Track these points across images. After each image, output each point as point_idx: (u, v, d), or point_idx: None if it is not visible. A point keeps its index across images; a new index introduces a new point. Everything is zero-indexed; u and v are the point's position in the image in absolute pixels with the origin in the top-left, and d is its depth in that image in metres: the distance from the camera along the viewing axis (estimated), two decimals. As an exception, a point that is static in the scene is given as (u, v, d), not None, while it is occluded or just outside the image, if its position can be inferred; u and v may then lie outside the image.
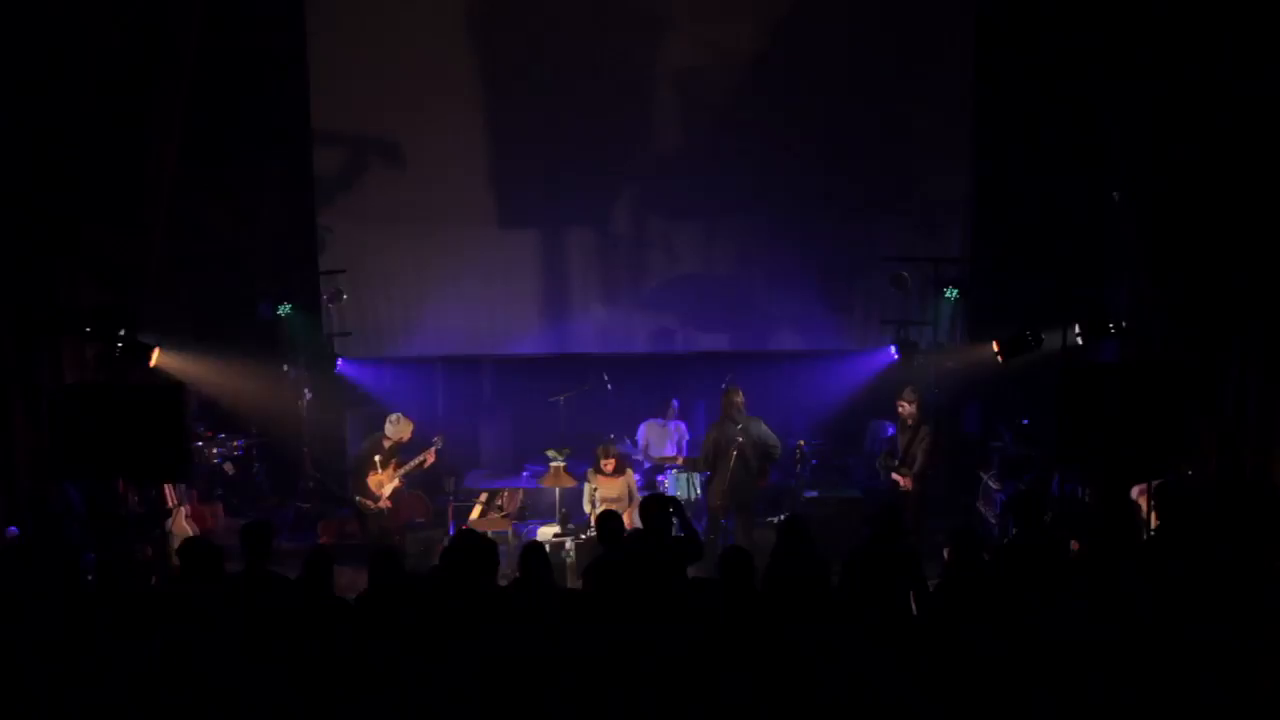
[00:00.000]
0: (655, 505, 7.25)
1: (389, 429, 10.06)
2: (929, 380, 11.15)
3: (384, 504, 9.95)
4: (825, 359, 12.82)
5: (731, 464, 9.83)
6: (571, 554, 9.44)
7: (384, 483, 9.94)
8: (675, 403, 11.89)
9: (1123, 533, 7.17)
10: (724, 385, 11.14)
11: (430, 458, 10.10)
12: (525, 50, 12.26)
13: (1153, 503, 7.66)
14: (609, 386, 12.06)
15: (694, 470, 10.75)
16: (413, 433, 10.10)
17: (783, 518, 7.58)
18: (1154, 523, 7.53)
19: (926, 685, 5.70)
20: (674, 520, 7.24)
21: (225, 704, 5.64)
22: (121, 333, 9.68)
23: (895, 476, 10.08)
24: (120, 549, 8.63)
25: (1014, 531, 7.67)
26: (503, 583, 8.07)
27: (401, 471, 10.00)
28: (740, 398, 10.10)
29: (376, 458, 9.96)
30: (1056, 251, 12.09)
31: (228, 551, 6.54)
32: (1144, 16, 9.53)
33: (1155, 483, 7.78)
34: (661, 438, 11.74)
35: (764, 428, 10.12)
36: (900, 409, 10.20)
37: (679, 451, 11.58)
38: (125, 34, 9.77)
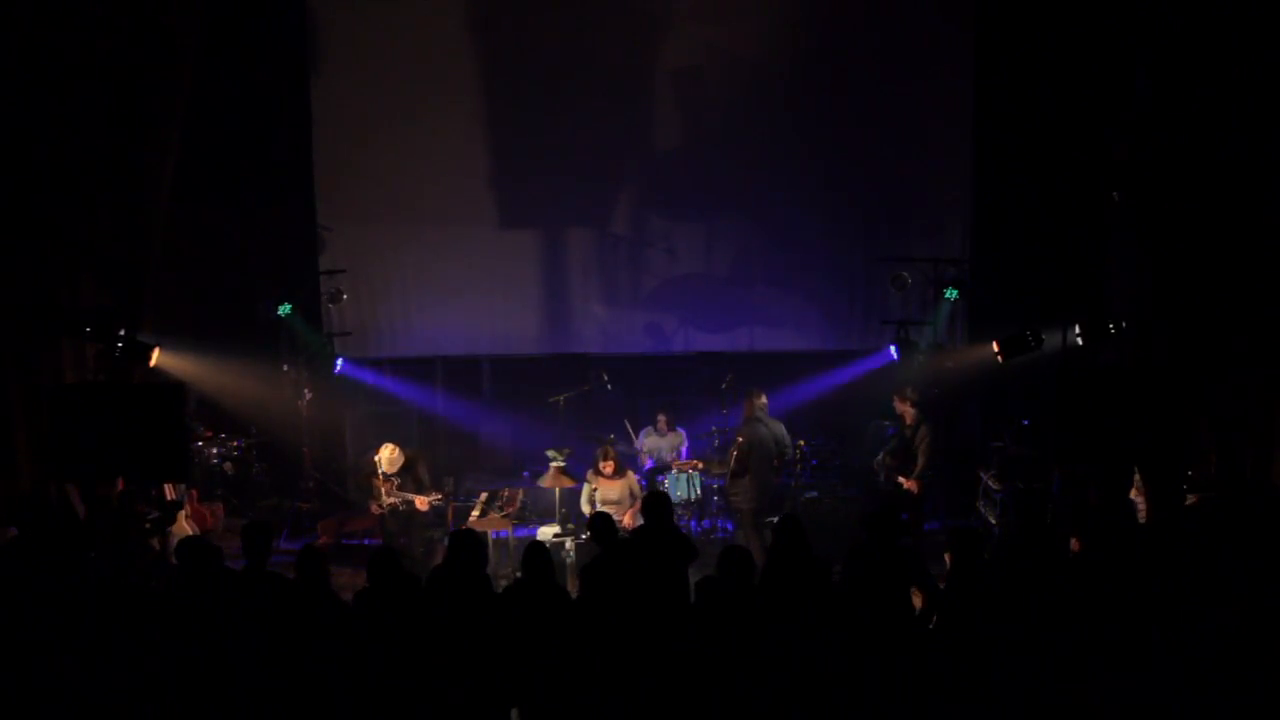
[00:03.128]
0: (656, 502, 7.31)
1: (384, 460, 10.02)
2: (929, 380, 11.14)
3: (375, 509, 10.08)
4: (825, 359, 12.77)
5: (757, 465, 9.88)
6: (572, 554, 9.42)
7: (382, 492, 10.02)
8: (661, 419, 11.87)
9: (1123, 532, 7.18)
10: (724, 385, 11.17)
11: (422, 504, 10.03)
12: (526, 50, 12.24)
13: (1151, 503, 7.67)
14: (609, 387, 12.03)
15: (720, 472, 10.70)
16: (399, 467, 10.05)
17: (777, 518, 7.59)
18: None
19: (929, 683, 5.73)
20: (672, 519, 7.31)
21: (225, 702, 5.68)
22: (121, 332, 9.67)
23: (899, 479, 10.06)
24: (133, 547, 8.63)
25: (1014, 530, 7.67)
26: (504, 583, 8.13)
27: (395, 498, 10.00)
28: (764, 399, 10.19)
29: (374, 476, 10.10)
30: (1056, 252, 12.05)
31: (227, 551, 6.54)
32: (1144, 16, 9.52)
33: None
34: (660, 445, 11.73)
35: (782, 429, 10.17)
36: (899, 409, 10.19)
37: (682, 458, 11.58)
38: (125, 34, 9.75)
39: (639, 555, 6.94)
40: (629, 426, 12.01)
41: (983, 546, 6.76)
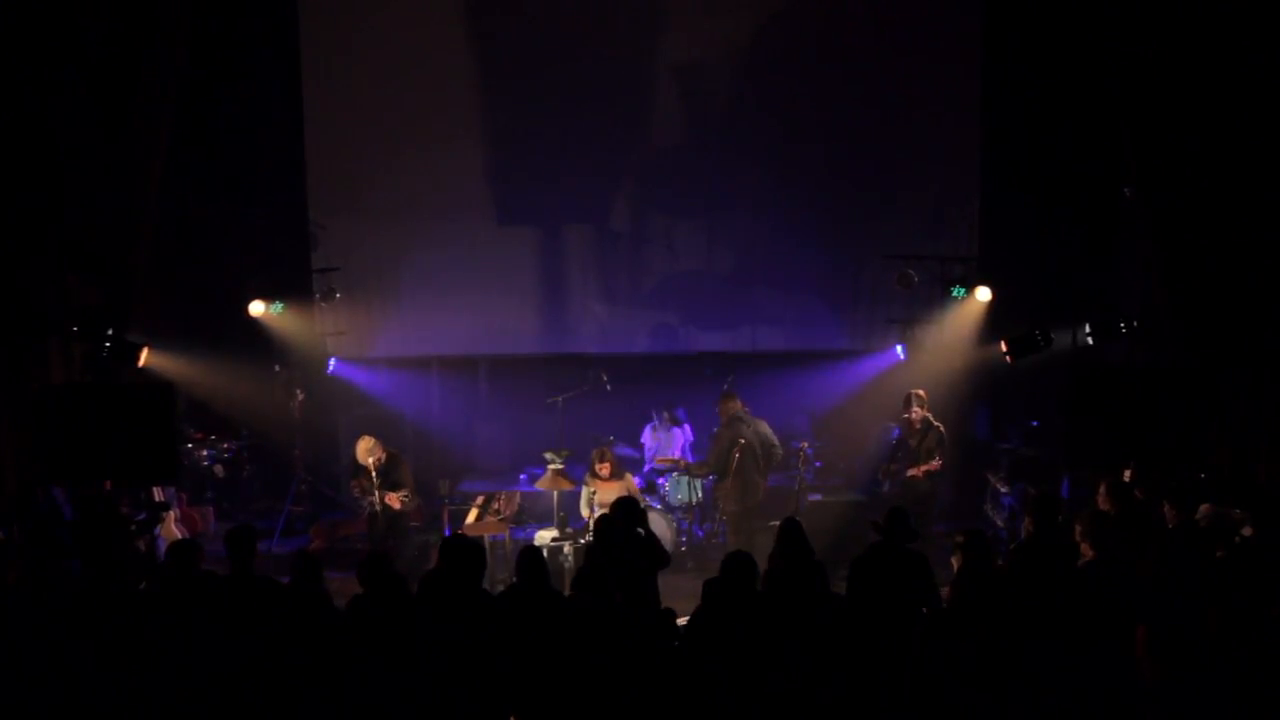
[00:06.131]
0: (621, 507, 7.31)
1: (360, 451, 9.76)
2: (935, 381, 11.04)
3: (356, 490, 9.90)
4: (829, 359, 12.65)
5: (742, 465, 9.82)
6: (570, 558, 9.30)
7: (368, 489, 9.80)
8: (681, 412, 11.81)
9: (1138, 536, 7.04)
10: (725, 386, 11.01)
11: (394, 501, 9.72)
12: (523, 44, 12.11)
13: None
14: (608, 387, 11.90)
15: (700, 474, 10.63)
16: (377, 462, 9.74)
17: (778, 522, 7.54)
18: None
19: (936, 688, 5.64)
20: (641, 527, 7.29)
21: (214, 706, 5.65)
22: (109, 332, 9.59)
23: (912, 473, 9.89)
24: (118, 551, 8.56)
25: (1025, 533, 7.54)
26: (500, 587, 8.00)
27: (379, 494, 9.74)
28: (736, 403, 10.16)
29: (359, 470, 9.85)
30: (1066, 249, 11.95)
31: (218, 555, 6.43)
32: (1155, 8, 9.40)
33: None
34: (666, 440, 11.62)
35: (767, 428, 10.10)
36: (911, 416, 10.01)
37: (682, 454, 11.44)
38: (114, 28, 9.69)
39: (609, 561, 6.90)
40: (658, 418, 11.95)
41: (990, 550, 6.65)
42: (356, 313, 12.40)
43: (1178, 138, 9.47)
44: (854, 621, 6.14)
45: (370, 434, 9.89)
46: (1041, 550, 6.87)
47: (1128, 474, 8.40)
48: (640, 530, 7.26)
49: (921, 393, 10.11)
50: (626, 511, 7.26)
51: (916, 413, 10.01)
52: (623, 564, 6.87)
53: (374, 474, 9.65)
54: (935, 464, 9.84)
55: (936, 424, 9.99)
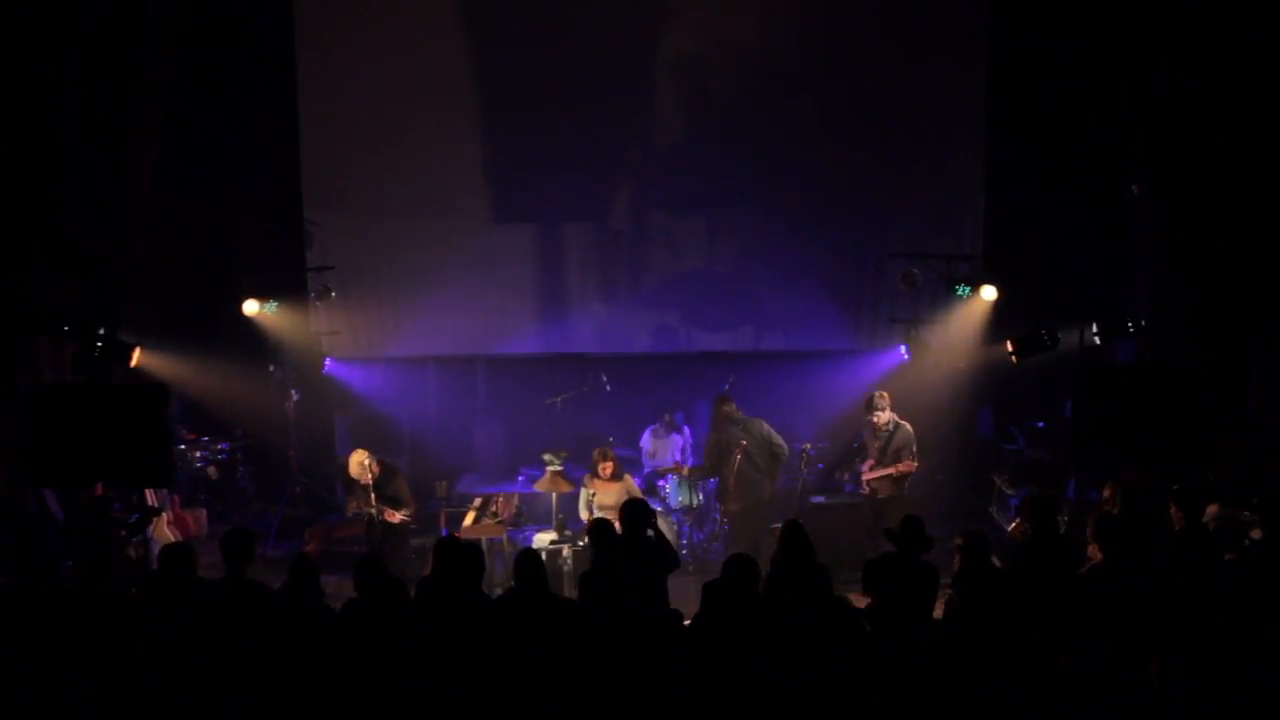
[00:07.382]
0: (632, 510, 7.26)
1: (354, 468, 9.59)
2: (939, 381, 10.93)
3: (354, 507, 9.78)
4: (832, 359, 12.56)
5: (737, 465, 9.78)
6: (569, 561, 9.23)
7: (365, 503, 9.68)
8: (679, 416, 11.76)
9: (1143, 538, 6.98)
10: (725, 388, 10.94)
11: (393, 518, 9.60)
12: (521, 38, 12.03)
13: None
14: (607, 388, 11.87)
15: (698, 478, 10.54)
16: (373, 475, 9.59)
17: (780, 524, 7.46)
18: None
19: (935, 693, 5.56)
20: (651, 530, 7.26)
21: (206, 711, 5.60)
22: (101, 332, 9.49)
23: (869, 476, 9.80)
24: (107, 554, 8.49)
25: (1025, 535, 7.47)
26: (498, 591, 7.92)
27: (372, 508, 9.60)
28: (730, 406, 10.12)
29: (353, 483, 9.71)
30: (1073, 248, 11.89)
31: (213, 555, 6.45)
32: (1163, 9, 9.32)
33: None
34: (665, 444, 11.52)
35: (767, 428, 10.06)
36: (876, 419, 9.86)
37: (683, 459, 11.36)
38: (105, 25, 9.64)
39: (617, 564, 6.84)
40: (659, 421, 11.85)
41: (990, 552, 6.63)
42: (352, 312, 12.34)
43: (1186, 135, 9.43)
44: (861, 626, 6.06)
45: (363, 446, 9.78)
46: (1039, 552, 6.82)
47: (1133, 476, 8.32)
48: (650, 532, 7.21)
49: (885, 394, 9.99)
50: (635, 513, 7.20)
51: (880, 416, 9.86)
52: (630, 567, 6.79)
53: (370, 490, 9.52)
54: (907, 465, 9.69)
55: (903, 423, 9.86)
